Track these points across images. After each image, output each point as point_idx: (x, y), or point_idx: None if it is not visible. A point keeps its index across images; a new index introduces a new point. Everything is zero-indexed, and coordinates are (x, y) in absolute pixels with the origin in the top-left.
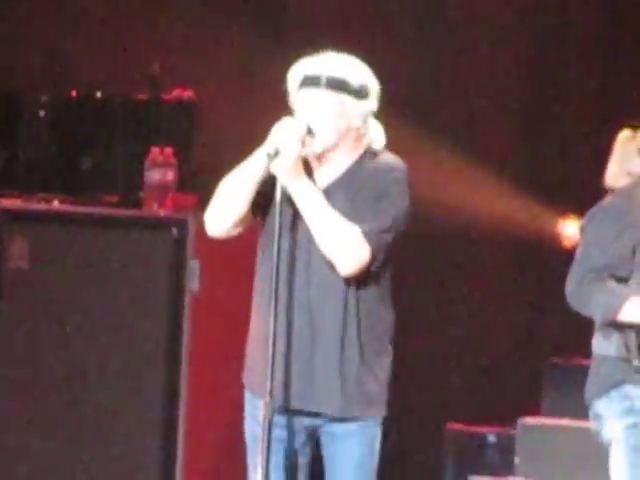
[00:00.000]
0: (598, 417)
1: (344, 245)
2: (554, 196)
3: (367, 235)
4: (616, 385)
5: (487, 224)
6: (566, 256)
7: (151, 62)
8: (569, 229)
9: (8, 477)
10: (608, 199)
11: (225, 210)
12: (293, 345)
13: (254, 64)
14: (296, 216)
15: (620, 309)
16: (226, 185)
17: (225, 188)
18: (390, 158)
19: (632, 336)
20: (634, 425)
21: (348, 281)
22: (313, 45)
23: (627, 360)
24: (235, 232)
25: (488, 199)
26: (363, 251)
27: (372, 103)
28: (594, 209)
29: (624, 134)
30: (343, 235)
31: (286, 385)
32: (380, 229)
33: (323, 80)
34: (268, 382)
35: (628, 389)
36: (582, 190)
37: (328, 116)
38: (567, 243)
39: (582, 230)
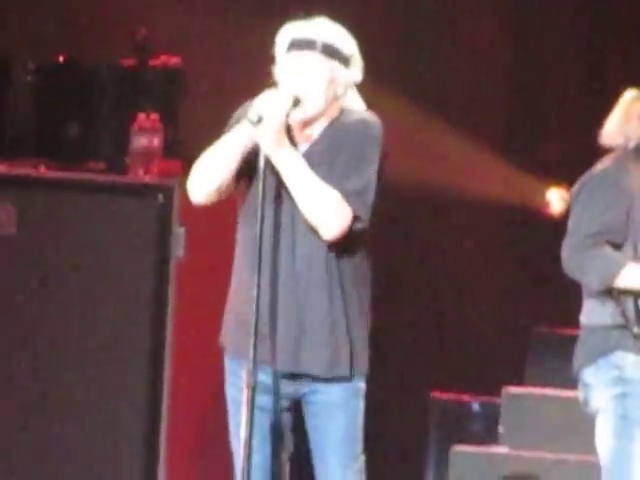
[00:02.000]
0: (586, 386)
1: (327, 210)
2: (545, 167)
3: (348, 198)
4: (605, 353)
5: (474, 192)
6: (552, 225)
7: (138, 28)
8: (556, 198)
9: None
10: (600, 166)
11: (208, 177)
12: (278, 311)
13: (242, 32)
14: (280, 185)
15: (618, 275)
16: (210, 152)
17: (209, 155)
18: (365, 114)
19: (630, 303)
20: (622, 395)
21: (332, 246)
22: (301, 12)
23: (624, 327)
24: (217, 199)
25: (476, 167)
26: (345, 214)
27: (357, 74)
28: (586, 176)
29: (629, 94)
30: (325, 200)
31: (272, 349)
32: (360, 190)
33: (318, 44)
34: (251, 350)
35: (618, 357)
36: (574, 163)
37: (319, 81)
38: (554, 212)
39: (574, 197)
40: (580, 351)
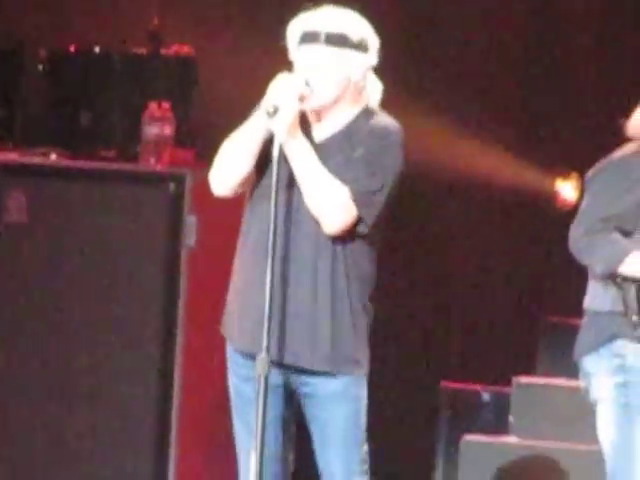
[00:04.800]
0: (586, 375)
1: (330, 205)
2: (552, 156)
3: (356, 196)
4: (607, 341)
5: (482, 182)
6: (563, 215)
7: (150, 17)
8: (565, 190)
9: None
10: (618, 153)
11: (230, 170)
12: (284, 299)
13: (254, 20)
14: (291, 175)
15: (623, 261)
16: (230, 145)
17: (229, 148)
18: (387, 120)
19: (632, 290)
20: (624, 383)
21: (337, 238)
22: (309, 3)
23: (623, 315)
24: (240, 191)
25: (485, 157)
26: (349, 212)
27: (372, 57)
28: (603, 161)
29: None
30: (330, 195)
31: (276, 340)
32: (370, 191)
33: (322, 36)
34: (264, 337)
35: (620, 345)
36: (581, 153)
37: (328, 71)
38: (562, 204)
39: (588, 181)
40: (582, 338)
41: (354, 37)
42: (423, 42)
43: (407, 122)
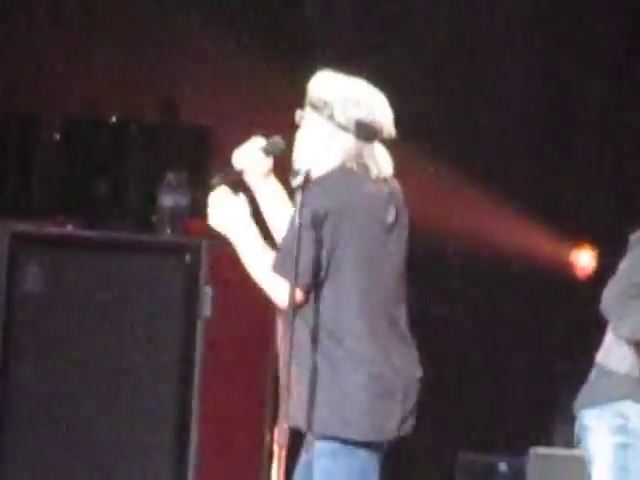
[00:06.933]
0: (584, 428)
1: (268, 291)
2: (568, 226)
3: (277, 267)
4: (615, 399)
5: (500, 253)
6: (579, 284)
7: (166, 86)
8: (583, 259)
9: None
10: None
11: None
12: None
13: (269, 90)
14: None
15: None
16: None
17: None
18: (320, 177)
19: None
20: (623, 445)
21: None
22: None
23: (638, 381)
24: None
25: (500, 229)
26: (281, 289)
27: (337, 118)
28: None
29: None
30: (265, 283)
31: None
32: (284, 251)
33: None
34: (281, 409)
35: (627, 406)
36: (596, 220)
37: (301, 132)
38: (580, 272)
39: (632, 244)
40: (587, 391)
41: (316, 98)
42: (445, 118)
43: (424, 190)
